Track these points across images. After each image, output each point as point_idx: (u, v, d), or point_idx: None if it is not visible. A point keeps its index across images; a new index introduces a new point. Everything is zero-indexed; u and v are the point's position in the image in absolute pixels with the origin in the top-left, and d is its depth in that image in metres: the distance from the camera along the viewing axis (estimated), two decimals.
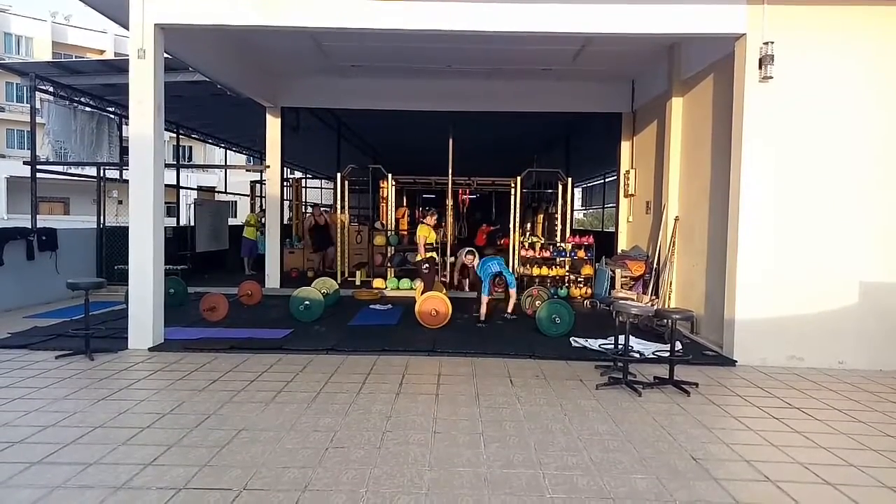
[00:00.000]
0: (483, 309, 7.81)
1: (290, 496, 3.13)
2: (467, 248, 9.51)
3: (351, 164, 12.65)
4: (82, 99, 11.04)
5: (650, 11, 6.16)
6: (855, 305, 6.12)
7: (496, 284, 7.98)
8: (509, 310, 8.11)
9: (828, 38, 6.10)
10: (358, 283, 11.30)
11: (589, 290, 10.20)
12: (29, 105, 10.47)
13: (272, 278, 11.09)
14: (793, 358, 6.18)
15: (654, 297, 8.38)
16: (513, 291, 8.06)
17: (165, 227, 7.00)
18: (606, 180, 21.97)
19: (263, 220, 13.16)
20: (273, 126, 11.09)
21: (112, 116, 11.72)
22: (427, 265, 8.90)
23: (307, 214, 14.35)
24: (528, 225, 17.12)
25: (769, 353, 6.18)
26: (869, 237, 6.13)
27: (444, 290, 9.06)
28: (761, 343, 6.18)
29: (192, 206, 13.42)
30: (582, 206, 31.08)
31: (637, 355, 5.98)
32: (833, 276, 6.13)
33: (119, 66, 9.88)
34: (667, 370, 5.38)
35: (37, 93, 10.10)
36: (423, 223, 9.56)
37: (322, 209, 14.86)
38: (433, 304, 7.54)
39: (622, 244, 10.69)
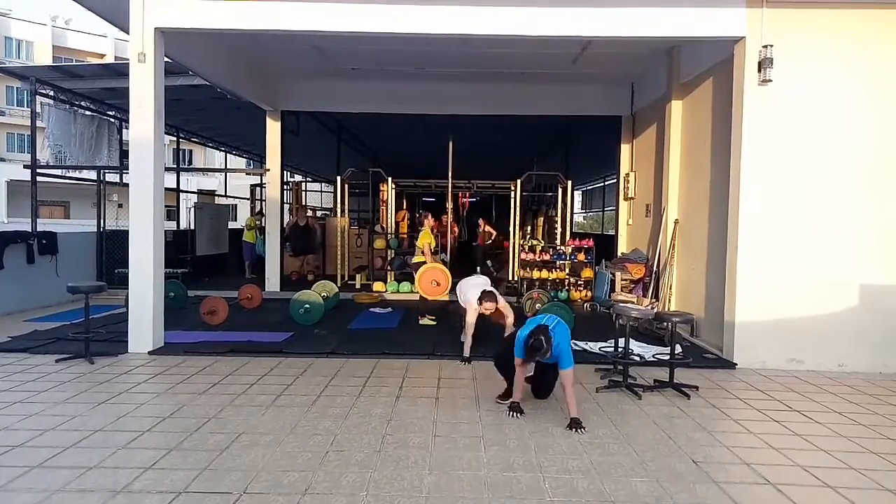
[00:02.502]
0: (517, 391, 4.60)
1: (291, 500, 3.12)
2: (484, 289, 6.03)
3: (351, 168, 12.67)
4: (82, 103, 11.05)
5: (649, 15, 6.17)
6: (855, 308, 6.13)
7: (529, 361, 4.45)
8: (571, 412, 4.29)
9: (827, 41, 6.11)
10: (358, 286, 11.30)
11: (589, 294, 10.20)
12: (29, 109, 10.48)
13: (272, 282, 11.10)
14: (793, 361, 6.18)
15: (653, 300, 8.38)
16: (568, 376, 4.36)
17: (165, 231, 7.00)
18: (606, 183, 22.00)
19: (259, 222, 13.29)
20: (273, 129, 11.12)
21: (112, 120, 11.73)
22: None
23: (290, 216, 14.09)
24: (528, 228, 17.14)
25: (769, 355, 6.18)
26: (868, 240, 6.13)
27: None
28: (761, 346, 6.18)
29: (193, 209, 13.44)
30: (582, 209, 31.09)
31: (637, 358, 5.99)
32: (833, 279, 6.13)
33: (119, 70, 9.91)
34: (667, 373, 5.38)
35: (37, 97, 10.11)
36: (423, 229, 9.00)
37: (307, 211, 14.68)
38: (433, 275, 7.43)
39: (622, 247, 10.70)
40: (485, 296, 5.93)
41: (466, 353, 6.16)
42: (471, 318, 6.05)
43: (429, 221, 9.10)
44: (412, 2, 6.19)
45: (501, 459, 3.70)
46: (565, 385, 4.38)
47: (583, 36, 6.47)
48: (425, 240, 8.73)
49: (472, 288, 6.21)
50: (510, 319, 5.98)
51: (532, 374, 4.72)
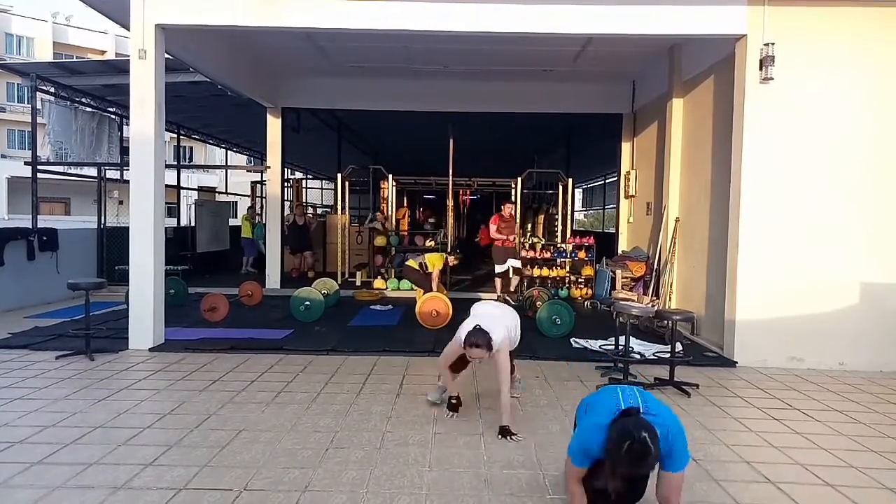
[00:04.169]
0: None
1: (291, 497, 3.13)
2: (478, 325, 4.05)
3: (351, 165, 12.66)
4: (83, 99, 11.04)
5: (650, 12, 6.16)
6: (855, 306, 6.12)
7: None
8: None
9: (829, 40, 6.09)
10: (358, 283, 11.30)
11: (589, 291, 10.19)
12: (30, 105, 10.47)
13: (272, 279, 11.10)
14: (793, 359, 6.17)
15: (654, 298, 8.37)
16: (677, 483, 2.70)
17: (166, 228, 7.00)
18: (607, 181, 21.98)
19: (253, 218, 13.40)
20: (273, 126, 11.11)
21: (113, 117, 11.72)
22: (422, 270, 8.59)
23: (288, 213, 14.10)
24: (529, 226, 17.11)
25: (770, 354, 6.17)
26: (869, 239, 6.12)
27: (445, 292, 9.04)
28: (762, 344, 6.17)
29: (193, 206, 13.44)
30: (582, 206, 31.07)
31: (637, 356, 5.99)
32: (833, 278, 6.13)
33: (120, 67, 9.89)
34: (667, 371, 5.37)
35: (38, 93, 10.10)
36: (438, 254, 8.82)
37: (306, 209, 14.71)
38: (434, 304, 7.54)
39: (623, 245, 10.69)
40: (476, 336, 3.93)
41: (433, 397, 4.63)
42: (449, 349, 4.28)
43: (452, 259, 8.77)
44: None
45: (501, 457, 3.70)
46: (669, 497, 2.66)
47: (584, 33, 6.47)
48: (433, 262, 8.53)
49: (479, 318, 4.21)
50: (505, 395, 4.03)
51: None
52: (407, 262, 8.91)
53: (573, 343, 6.82)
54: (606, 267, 10.15)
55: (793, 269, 6.15)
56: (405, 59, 9.33)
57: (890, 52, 6.07)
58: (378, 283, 10.76)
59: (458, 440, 3.95)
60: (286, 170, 15.56)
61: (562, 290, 10.23)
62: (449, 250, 10.41)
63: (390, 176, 11.82)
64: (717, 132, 7.10)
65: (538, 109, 10.88)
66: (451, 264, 9.13)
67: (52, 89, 10.39)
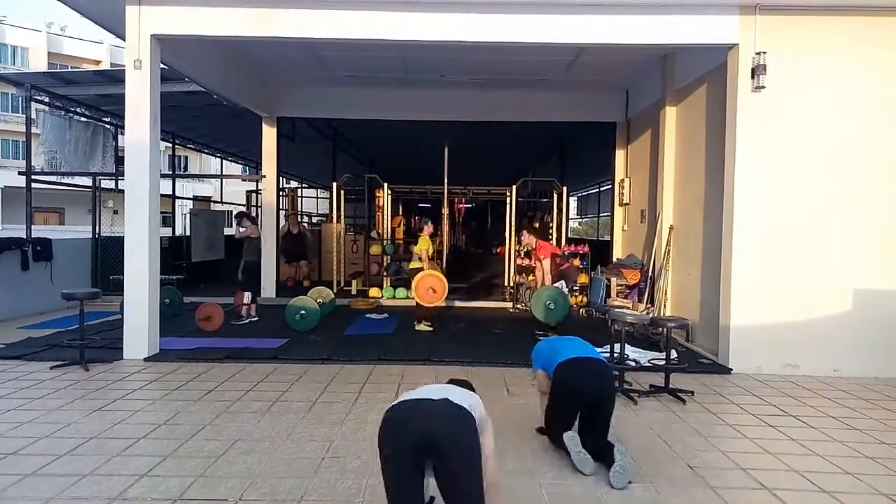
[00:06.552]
0: None
1: None
2: None
3: (346, 174, 12.68)
4: (78, 109, 11.04)
5: (643, 22, 6.22)
6: (849, 313, 6.15)
7: None
8: None
9: (820, 48, 6.17)
10: (354, 292, 11.29)
11: (584, 299, 10.20)
12: (24, 115, 10.45)
13: (268, 288, 11.07)
14: (788, 366, 6.20)
15: (649, 306, 8.39)
16: None
17: (161, 237, 6.99)
18: (601, 189, 22.04)
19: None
20: (269, 136, 11.12)
21: (108, 126, 11.71)
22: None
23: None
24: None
25: (764, 360, 6.19)
26: (863, 245, 6.17)
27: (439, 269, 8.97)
28: (756, 351, 6.19)
29: (188, 215, 13.40)
30: (577, 214, 31.13)
31: (633, 364, 5.99)
32: (827, 284, 6.17)
33: (115, 77, 9.89)
34: (662, 378, 5.38)
35: (32, 103, 10.09)
36: (421, 235, 8.92)
37: (300, 219, 14.63)
38: (429, 282, 7.45)
39: (617, 253, 10.73)
40: None
41: None
42: None
43: (428, 228, 9.00)
44: (407, 9, 6.22)
45: (497, 466, 3.68)
46: None
47: (577, 43, 6.52)
48: (423, 246, 8.69)
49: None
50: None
51: None
52: (410, 266, 8.93)
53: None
54: (601, 275, 10.16)
55: (786, 276, 6.19)
56: (401, 68, 9.38)
57: (881, 60, 6.15)
58: (374, 291, 10.75)
59: None
60: (281, 179, 15.57)
61: None
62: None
63: (385, 184, 11.84)
64: (710, 140, 7.16)
65: (533, 118, 10.93)
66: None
67: (47, 99, 10.38)
